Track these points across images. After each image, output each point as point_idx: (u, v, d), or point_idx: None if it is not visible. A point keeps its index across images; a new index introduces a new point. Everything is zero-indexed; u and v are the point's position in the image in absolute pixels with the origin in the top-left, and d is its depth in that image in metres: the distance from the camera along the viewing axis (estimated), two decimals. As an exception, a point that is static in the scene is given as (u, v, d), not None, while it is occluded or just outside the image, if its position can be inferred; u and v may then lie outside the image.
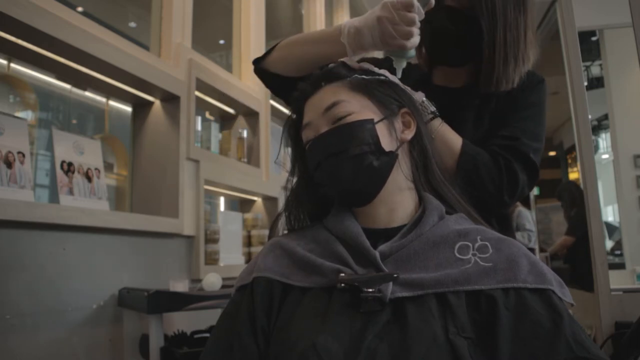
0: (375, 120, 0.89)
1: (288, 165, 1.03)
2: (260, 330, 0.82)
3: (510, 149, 1.04)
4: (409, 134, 0.94)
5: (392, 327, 0.76)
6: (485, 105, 1.13)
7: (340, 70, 0.96)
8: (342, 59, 1.01)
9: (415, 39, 0.94)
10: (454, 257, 0.81)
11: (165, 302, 1.67)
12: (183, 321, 1.99)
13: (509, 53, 1.06)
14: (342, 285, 0.79)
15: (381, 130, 0.89)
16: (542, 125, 1.11)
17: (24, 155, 1.53)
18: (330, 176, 0.89)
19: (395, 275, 0.79)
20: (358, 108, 0.90)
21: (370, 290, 0.77)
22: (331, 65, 0.98)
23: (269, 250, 0.91)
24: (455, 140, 1.04)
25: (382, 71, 1.00)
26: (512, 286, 0.77)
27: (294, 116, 1.00)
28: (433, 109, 1.05)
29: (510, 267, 0.79)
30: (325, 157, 0.88)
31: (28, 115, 1.76)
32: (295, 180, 1.01)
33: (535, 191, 3.52)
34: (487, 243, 0.83)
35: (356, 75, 0.95)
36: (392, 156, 0.89)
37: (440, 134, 1.04)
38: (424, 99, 1.05)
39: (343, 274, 0.80)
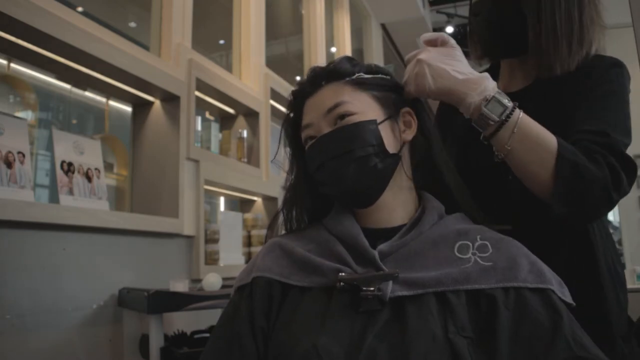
0: (379, 120, 0.88)
1: (287, 165, 1.03)
2: (259, 330, 0.82)
3: (604, 146, 0.88)
4: (410, 134, 0.93)
5: (392, 327, 0.76)
6: (545, 105, 0.99)
7: (341, 68, 0.94)
8: (346, 55, 0.99)
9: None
10: (454, 257, 0.82)
11: (165, 302, 1.67)
12: (183, 321, 1.99)
13: (560, 34, 0.97)
14: (342, 284, 0.79)
15: (385, 130, 0.89)
16: (629, 117, 0.95)
17: (24, 155, 1.53)
18: (333, 177, 0.88)
19: (395, 274, 0.79)
20: (361, 108, 0.89)
21: (371, 289, 0.77)
22: (332, 62, 0.96)
23: (268, 250, 0.91)
24: (547, 138, 0.86)
25: (389, 65, 0.98)
26: (512, 285, 0.77)
27: (292, 115, 0.99)
28: (508, 101, 0.87)
29: (510, 266, 0.79)
30: (328, 158, 0.87)
31: (28, 115, 1.76)
32: (293, 179, 1.00)
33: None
34: (486, 242, 0.83)
35: (358, 74, 0.93)
36: (395, 158, 0.89)
37: (524, 131, 0.85)
38: (496, 92, 0.87)
39: (343, 273, 0.80)
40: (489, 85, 0.88)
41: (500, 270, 0.78)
